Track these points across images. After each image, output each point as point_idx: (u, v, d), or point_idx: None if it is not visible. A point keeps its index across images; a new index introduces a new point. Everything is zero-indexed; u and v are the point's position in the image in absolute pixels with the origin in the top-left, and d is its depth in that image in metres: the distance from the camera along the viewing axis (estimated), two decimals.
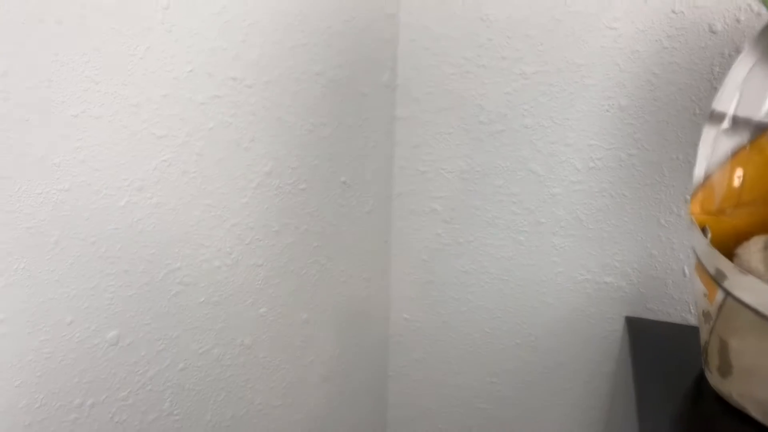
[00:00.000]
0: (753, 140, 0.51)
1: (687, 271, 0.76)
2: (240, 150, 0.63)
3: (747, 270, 0.49)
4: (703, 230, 0.52)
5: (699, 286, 0.52)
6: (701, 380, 0.59)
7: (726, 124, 0.51)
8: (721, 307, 0.49)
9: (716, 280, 0.49)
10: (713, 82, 0.68)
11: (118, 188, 0.53)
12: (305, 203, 0.74)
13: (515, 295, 0.86)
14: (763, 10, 0.60)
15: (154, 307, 0.59)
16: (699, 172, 0.52)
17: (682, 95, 0.70)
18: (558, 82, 0.75)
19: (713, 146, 0.51)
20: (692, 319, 0.77)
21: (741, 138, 0.51)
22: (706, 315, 0.52)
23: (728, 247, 0.53)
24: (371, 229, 0.87)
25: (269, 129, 0.66)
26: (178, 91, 0.55)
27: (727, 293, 0.48)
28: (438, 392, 0.98)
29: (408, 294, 0.95)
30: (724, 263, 0.47)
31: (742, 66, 0.50)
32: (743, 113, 0.51)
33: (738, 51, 0.64)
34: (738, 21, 0.64)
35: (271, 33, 0.63)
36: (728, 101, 0.50)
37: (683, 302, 0.77)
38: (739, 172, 0.52)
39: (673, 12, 0.67)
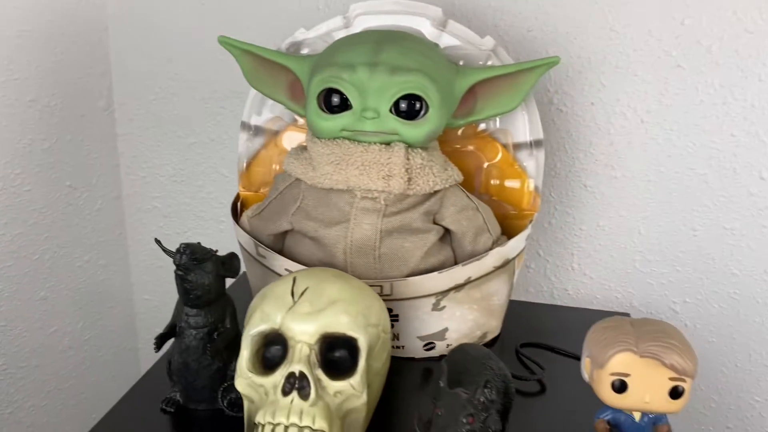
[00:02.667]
0: (269, 140, 0.80)
1: None
2: None
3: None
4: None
5: None
6: None
7: (252, 130, 0.80)
8: None
9: None
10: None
11: None
12: (31, 201, 0.96)
13: None
14: None
15: None
16: (241, 164, 0.81)
17: None
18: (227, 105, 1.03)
19: (247, 146, 0.80)
20: None
21: (262, 139, 0.81)
22: None
23: None
24: (104, 224, 1.10)
25: None
26: None
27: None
28: None
29: (147, 278, 1.17)
30: None
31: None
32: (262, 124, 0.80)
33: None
34: None
35: None
36: (249, 115, 0.80)
37: None
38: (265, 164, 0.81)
39: None
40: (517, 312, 0.86)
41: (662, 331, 0.51)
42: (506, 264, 0.73)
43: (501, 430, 0.55)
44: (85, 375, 1.11)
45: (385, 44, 0.65)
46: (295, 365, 0.52)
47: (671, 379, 0.50)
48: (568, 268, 1.01)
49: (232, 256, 0.62)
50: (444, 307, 0.70)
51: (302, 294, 0.55)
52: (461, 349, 0.60)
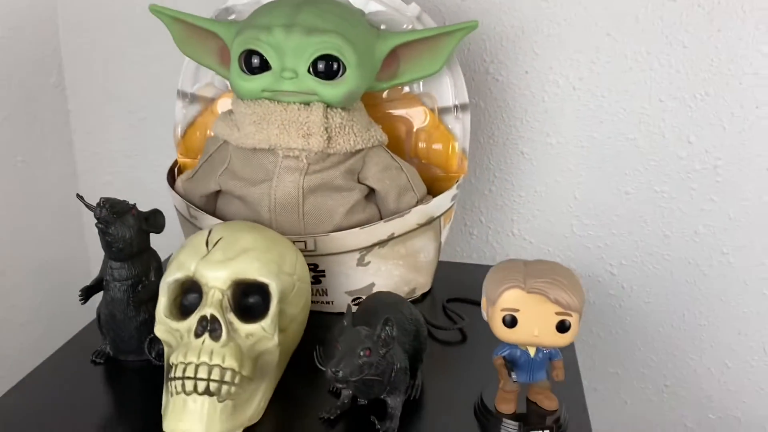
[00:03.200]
0: (204, 107, 0.83)
1: None
2: None
3: None
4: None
5: None
6: None
7: (188, 98, 0.82)
8: None
9: None
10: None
11: None
12: None
13: None
14: None
15: None
16: (178, 131, 0.83)
17: None
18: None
19: (184, 113, 0.82)
20: None
21: (198, 106, 0.83)
22: None
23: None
24: (59, 199, 1.12)
25: None
26: None
27: None
28: None
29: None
30: None
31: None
32: (197, 91, 0.82)
33: None
34: None
35: None
36: (184, 83, 0.82)
37: None
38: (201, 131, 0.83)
39: None
40: (453, 271, 0.89)
41: (551, 269, 0.54)
42: (431, 222, 0.76)
43: (406, 367, 0.58)
44: (44, 349, 1.13)
45: (304, 7, 0.68)
46: (207, 309, 0.55)
47: (557, 313, 0.53)
48: (508, 234, 1.04)
49: (156, 212, 0.65)
50: (369, 262, 0.73)
51: (216, 243, 0.58)
52: (375, 296, 0.63)
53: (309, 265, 0.71)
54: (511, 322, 0.54)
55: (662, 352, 1.04)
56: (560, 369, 0.57)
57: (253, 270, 0.56)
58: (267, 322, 0.56)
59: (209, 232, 0.59)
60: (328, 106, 0.68)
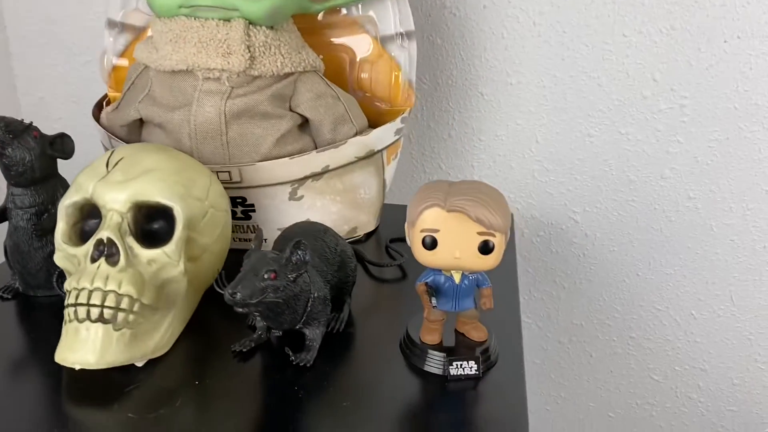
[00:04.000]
0: (134, 37, 0.77)
1: None
2: None
3: None
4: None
5: None
6: None
7: (118, 27, 0.77)
8: None
9: None
10: None
11: None
12: None
13: None
14: None
15: None
16: (108, 64, 0.78)
17: None
18: None
19: (113, 44, 0.77)
20: None
21: (128, 36, 0.78)
22: None
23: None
24: None
25: None
26: None
27: None
28: None
29: None
30: None
31: None
32: (125, 19, 0.76)
33: None
34: None
35: None
36: (113, 11, 0.76)
37: None
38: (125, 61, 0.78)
39: None
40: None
41: (475, 188, 0.50)
42: (371, 156, 0.71)
43: (325, 297, 0.54)
44: None
45: None
46: (104, 232, 0.51)
47: (480, 233, 0.49)
48: None
49: (62, 136, 0.60)
50: (302, 197, 0.69)
51: (116, 164, 0.53)
52: (297, 224, 0.59)
53: (236, 198, 0.67)
54: (431, 244, 0.49)
55: (627, 302, 1.00)
56: (488, 297, 0.53)
57: (154, 191, 0.52)
58: (170, 248, 0.52)
59: (111, 153, 0.55)
60: (251, 23, 0.63)
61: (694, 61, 0.86)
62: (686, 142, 0.90)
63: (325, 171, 0.68)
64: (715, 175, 0.91)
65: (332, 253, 0.57)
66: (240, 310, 0.47)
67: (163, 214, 0.53)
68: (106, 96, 0.80)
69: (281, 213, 0.69)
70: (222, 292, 0.47)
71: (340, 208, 0.71)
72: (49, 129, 0.63)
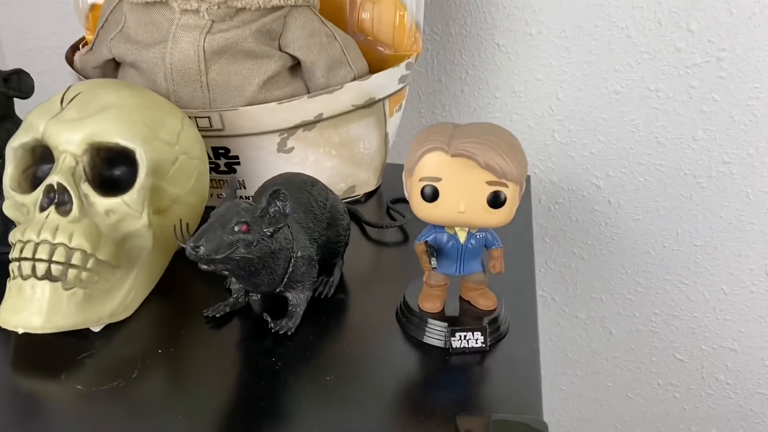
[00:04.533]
0: None
1: None
2: None
3: None
4: None
5: None
6: None
7: None
8: None
9: None
10: None
11: None
12: None
13: None
14: None
15: None
16: (83, 3, 0.70)
17: None
18: None
19: None
20: None
21: None
22: None
23: None
24: None
25: None
26: None
27: None
28: None
29: None
30: None
31: None
32: None
33: None
34: None
35: None
36: None
37: None
38: None
39: None
40: None
41: (485, 130, 0.42)
42: (371, 105, 0.64)
43: (311, 257, 0.47)
44: None
45: None
46: (55, 177, 0.44)
47: (489, 183, 0.41)
48: None
49: (19, 72, 0.54)
50: (292, 148, 0.61)
51: (72, 100, 0.46)
52: (281, 175, 0.52)
53: (218, 148, 0.60)
54: (431, 195, 0.42)
55: (652, 275, 0.93)
56: (498, 259, 0.45)
57: (112, 131, 0.45)
58: (131, 197, 0.45)
59: (67, 89, 0.48)
60: None
61: (735, 8, 0.77)
62: (722, 100, 0.81)
63: (318, 120, 0.61)
64: (753, 137, 0.82)
65: (321, 208, 0.50)
66: (205, 267, 0.40)
67: (126, 158, 0.46)
68: (83, 38, 0.73)
69: (269, 167, 0.61)
70: (183, 245, 0.40)
71: (336, 164, 0.64)
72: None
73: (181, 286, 0.52)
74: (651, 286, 0.93)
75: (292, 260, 0.45)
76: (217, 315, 0.48)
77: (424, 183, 0.42)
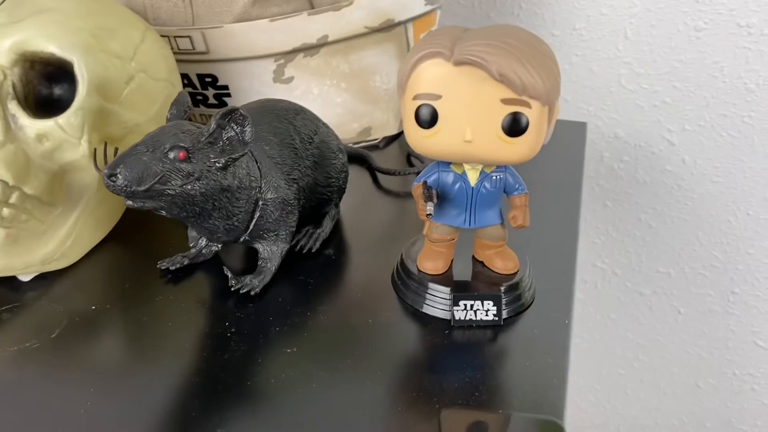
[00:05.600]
0: None
1: None
2: None
3: None
4: None
5: None
6: None
7: None
8: None
9: None
10: None
11: None
12: None
13: None
14: None
15: None
16: None
17: None
18: None
19: None
20: None
21: None
22: None
23: None
24: None
25: None
26: None
27: None
28: None
29: None
30: None
31: None
32: None
33: None
34: None
35: None
36: None
37: None
38: None
39: None
40: None
41: (505, 32, 0.31)
42: (390, 28, 0.53)
43: (287, 200, 0.38)
44: None
45: None
46: None
47: (506, 101, 0.30)
48: None
49: None
50: (291, 78, 0.52)
51: (2, 2, 0.38)
52: (260, 101, 0.42)
53: (205, 76, 0.51)
54: (428, 119, 0.32)
55: (732, 248, 0.79)
56: (521, 209, 0.35)
57: (47, 38, 0.37)
58: (67, 119, 0.37)
59: None
60: None
61: None
62: None
63: (323, 44, 0.51)
64: None
65: (305, 142, 0.40)
66: (130, 203, 0.31)
67: (69, 75, 0.38)
68: None
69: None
70: (99, 172, 0.31)
71: (346, 99, 0.54)
72: None
73: (142, 233, 0.43)
74: (730, 261, 0.80)
75: (260, 203, 0.36)
76: (171, 267, 0.39)
77: (419, 102, 0.32)
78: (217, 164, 0.33)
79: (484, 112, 0.31)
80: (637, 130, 0.78)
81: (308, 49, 0.51)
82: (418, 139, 0.33)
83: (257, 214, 0.36)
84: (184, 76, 0.51)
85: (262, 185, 0.36)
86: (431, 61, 0.31)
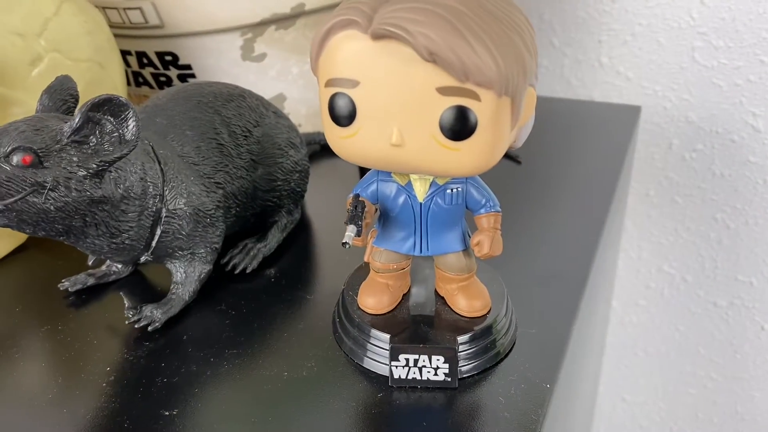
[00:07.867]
0: None
1: None
2: None
3: None
4: None
5: None
6: None
7: None
8: None
9: None
10: None
11: None
12: None
13: None
14: None
15: None
16: None
17: None
18: None
19: None
20: None
21: None
22: None
23: None
24: None
25: None
26: None
27: None
28: None
29: None
30: None
31: None
32: None
33: None
34: None
35: None
36: None
37: None
38: None
39: None
40: None
41: None
42: None
43: (201, 211, 0.30)
44: None
45: None
46: None
47: (442, 91, 0.21)
48: (594, 64, 0.69)
49: None
50: (263, 55, 0.44)
51: None
52: (181, 85, 0.34)
53: (164, 54, 0.44)
54: (346, 113, 0.23)
55: None
56: (488, 232, 0.25)
57: None
58: None
59: None
60: None
61: None
62: None
63: (299, 14, 0.42)
64: None
65: (236, 137, 0.32)
66: None
67: None
68: None
69: (234, 81, 0.45)
70: None
71: None
72: None
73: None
74: None
75: (163, 215, 0.29)
76: (70, 289, 0.32)
77: (332, 90, 0.23)
78: (84, 170, 0.26)
79: (414, 106, 0.22)
80: (714, 113, 0.65)
81: (281, 21, 0.43)
82: (335, 139, 0.24)
83: (159, 229, 0.29)
84: (142, 54, 0.44)
85: (165, 193, 0.29)
86: (344, 33, 0.22)
